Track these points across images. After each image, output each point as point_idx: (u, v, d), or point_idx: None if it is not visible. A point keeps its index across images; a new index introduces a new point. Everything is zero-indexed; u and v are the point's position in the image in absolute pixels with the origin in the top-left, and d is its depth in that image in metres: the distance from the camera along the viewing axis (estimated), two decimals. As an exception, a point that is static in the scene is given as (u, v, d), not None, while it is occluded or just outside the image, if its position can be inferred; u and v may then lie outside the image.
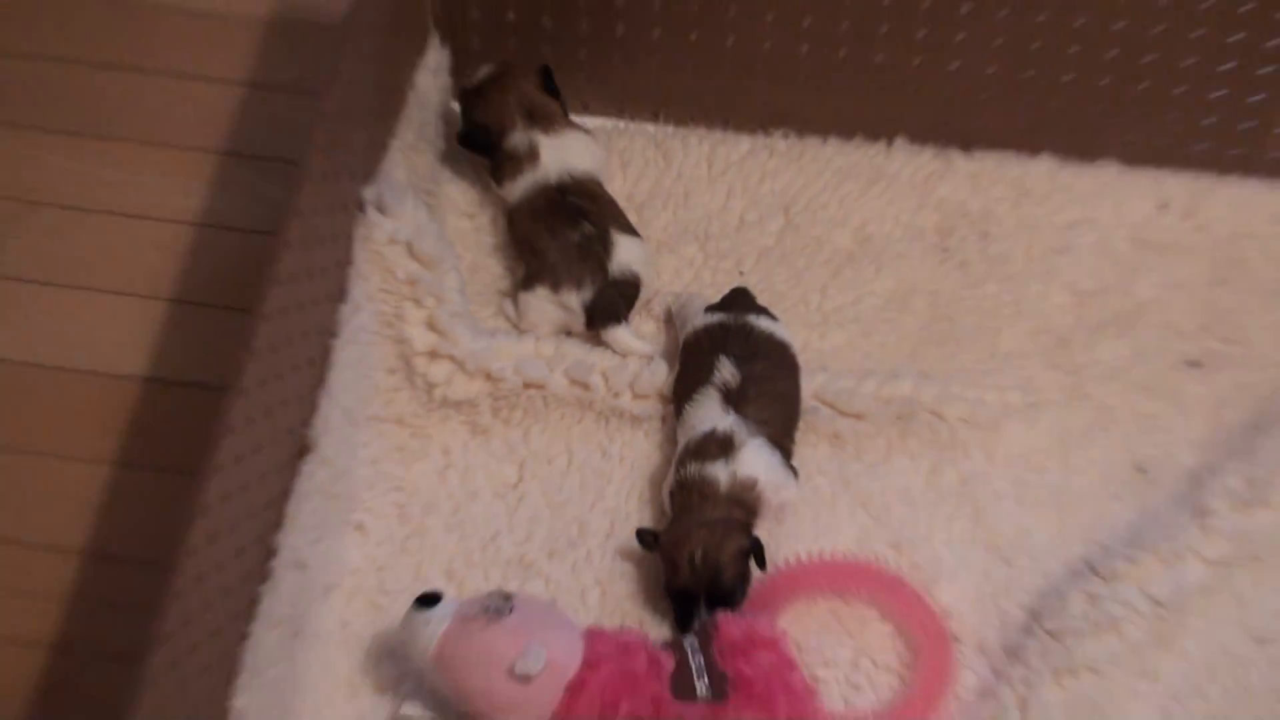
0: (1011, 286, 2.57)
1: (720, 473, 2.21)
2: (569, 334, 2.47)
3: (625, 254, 2.46)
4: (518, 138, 2.55)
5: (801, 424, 2.35)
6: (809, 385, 2.38)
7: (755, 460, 2.23)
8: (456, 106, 2.67)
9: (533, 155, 2.53)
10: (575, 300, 2.43)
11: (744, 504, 2.21)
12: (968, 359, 2.48)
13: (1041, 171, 2.68)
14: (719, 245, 2.61)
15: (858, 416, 2.39)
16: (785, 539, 2.28)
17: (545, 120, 2.57)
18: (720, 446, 2.23)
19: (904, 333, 2.52)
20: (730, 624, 2.11)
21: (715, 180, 2.69)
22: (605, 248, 2.45)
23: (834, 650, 2.20)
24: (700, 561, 2.16)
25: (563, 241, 2.45)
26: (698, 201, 2.66)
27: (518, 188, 2.54)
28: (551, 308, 2.45)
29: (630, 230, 2.51)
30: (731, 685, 2.05)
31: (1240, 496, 2.26)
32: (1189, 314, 2.53)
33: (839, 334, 2.51)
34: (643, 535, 2.22)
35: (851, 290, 2.56)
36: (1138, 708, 2.14)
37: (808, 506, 2.31)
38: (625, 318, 2.44)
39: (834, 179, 2.69)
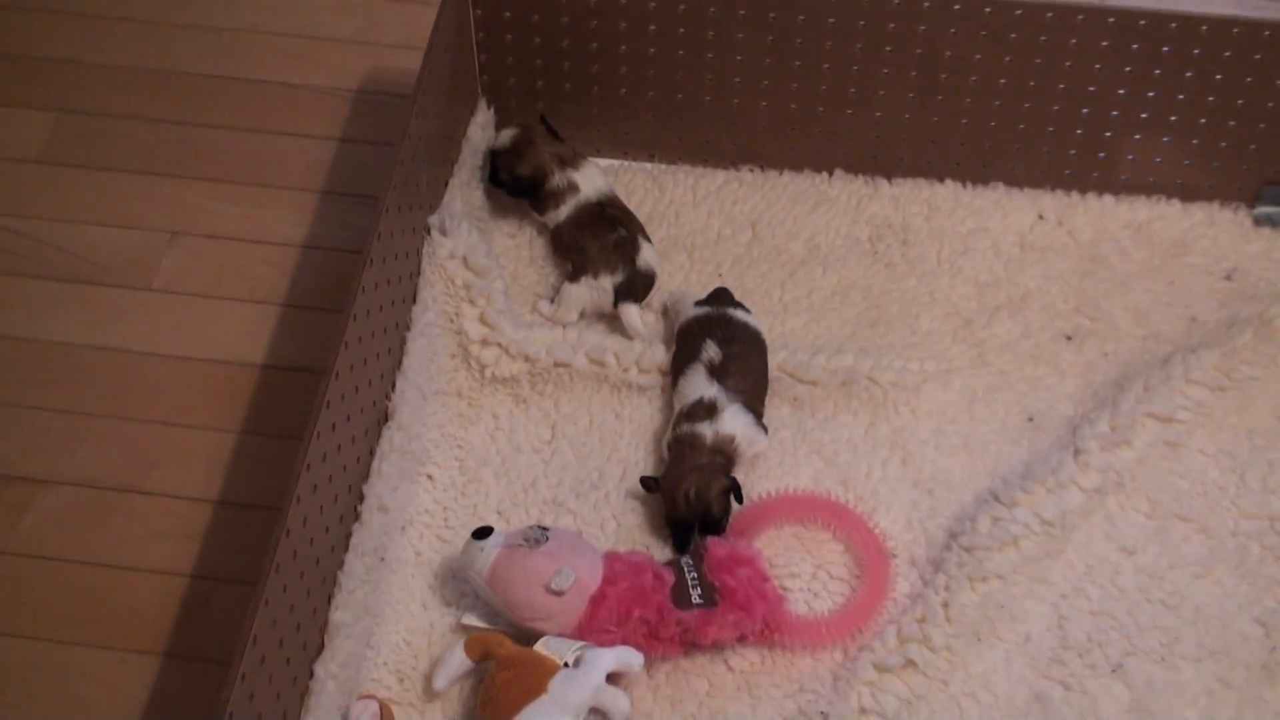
0: (926, 281, 2.48)
1: (706, 430, 2.15)
2: (598, 317, 2.43)
3: (647, 254, 2.41)
4: (557, 179, 2.48)
5: (769, 392, 2.27)
6: (774, 360, 2.30)
7: (733, 421, 2.16)
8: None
9: (573, 188, 2.47)
10: (609, 282, 2.37)
11: (725, 453, 2.15)
12: (895, 337, 2.39)
13: (947, 192, 2.59)
14: (702, 254, 2.52)
15: (812, 383, 2.31)
16: (758, 480, 2.20)
17: (572, 160, 2.50)
18: (706, 410, 2.17)
19: (845, 318, 2.43)
20: (717, 546, 2.04)
21: (698, 205, 2.59)
22: (634, 248, 2.40)
23: (798, 565, 2.12)
24: (694, 498, 2.10)
25: (603, 242, 2.40)
26: (685, 221, 2.57)
27: (562, 212, 2.47)
28: (589, 293, 2.38)
29: (649, 238, 2.46)
30: (719, 594, 1.98)
31: (1108, 439, 2.19)
32: (1064, 299, 2.43)
33: (795, 320, 2.42)
34: (645, 481, 2.16)
35: (804, 286, 2.47)
36: (1034, 605, 2.06)
37: (775, 454, 2.23)
38: (641, 300, 2.39)
39: (789, 202, 2.60)
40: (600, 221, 2.43)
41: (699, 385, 2.19)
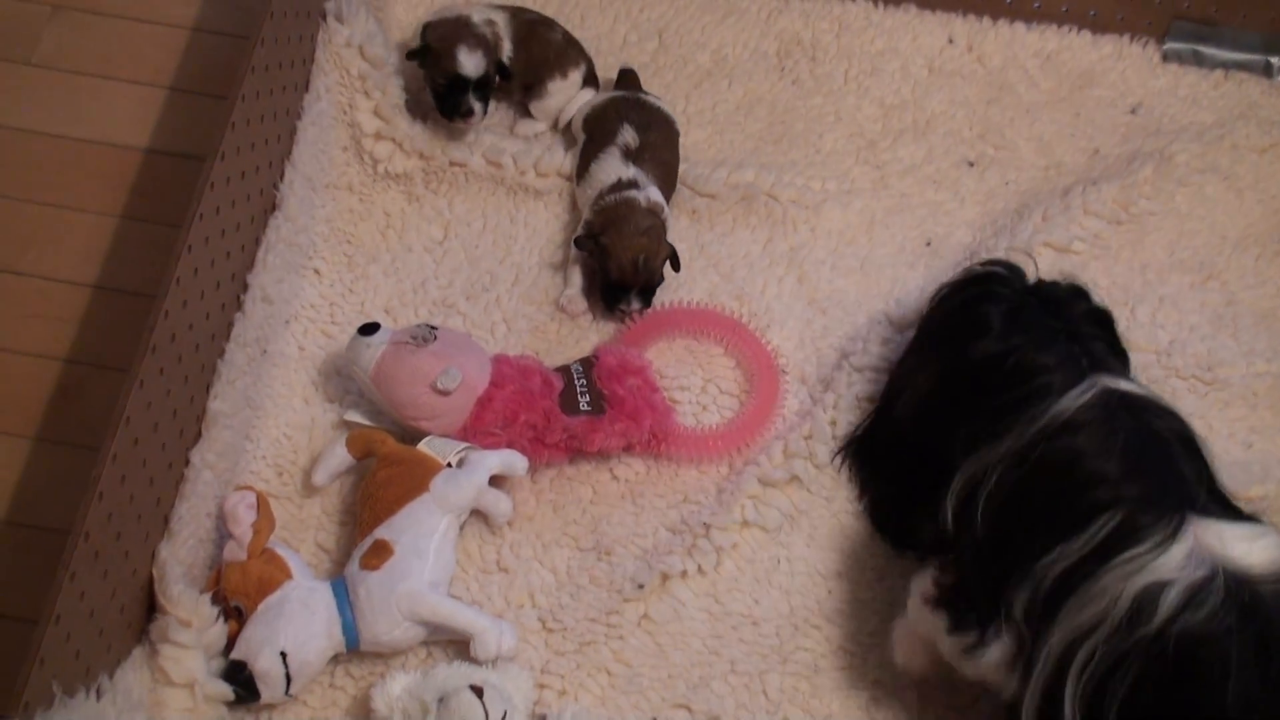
0: (833, 99, 2.41)
1: (639, 196, 2.11)
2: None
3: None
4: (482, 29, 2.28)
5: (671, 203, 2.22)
6: (675, 171, 2.26)
7: (659, 195, 2.14)
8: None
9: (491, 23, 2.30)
10: (577, 75, 2.31)
11: (659, 219, 2.11)
12: (798, 155, 2.33)
13: (859, 11, 2.51)
14: (607, 60, 2.42)
15: (711, 196, 2.25)
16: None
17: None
18: (630, 184, 2.12)
19: (749, 133, 2.36)
20: (608, 354, 2.01)
21: (605, 9, 2.49)
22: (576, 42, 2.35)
23: (688, 378, 2.09)
24: (642, 263, 2.06)
25: (550, 42, 2.33)
26: (591, 25, 2.47)
27: (505, 48, 2.31)
28: (564, 91, 2.30)
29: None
30: (607, 402, 1.95)
31: (1005, 267, 2.13)
32: (968, 125, 2.39)
33: (699, 132, 2.35)
34: (581, 241, 2.11)
35: (709, 98, 2.40)
36: (920, 426, 2.02)
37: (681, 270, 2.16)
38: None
39: (698, 11, 2.51)
40: (538, 28, 2.33)
41: (615, 168, 2.14)
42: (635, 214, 2.08)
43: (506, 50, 2.27)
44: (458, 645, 1.81)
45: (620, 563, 1.91)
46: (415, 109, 2.28)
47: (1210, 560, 1.47)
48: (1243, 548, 1.48)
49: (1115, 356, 1.76)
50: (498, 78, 2.23)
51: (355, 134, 2.23)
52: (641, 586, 1.87)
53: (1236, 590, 1.45)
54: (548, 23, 2.34)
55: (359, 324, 1.96)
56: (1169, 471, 1.56)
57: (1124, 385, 1.65)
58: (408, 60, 2.23)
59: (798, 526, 1.94)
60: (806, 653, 1.85)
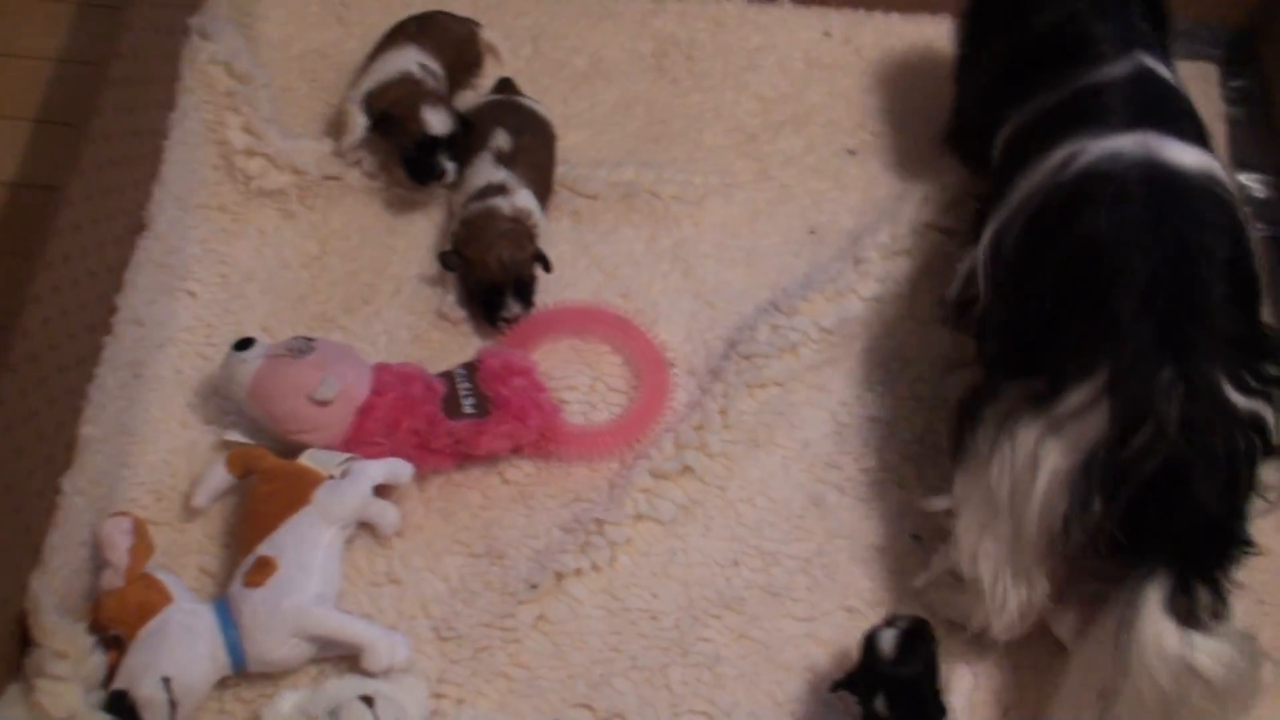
0: (712, 96, 2.42)
1: (503, 203, 2.09)
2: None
3: None
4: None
5: (548, 205, 2.22)
6: (554, 173, 2.25)
7: (530, 199, 2.12)
8: None
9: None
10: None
11: (525, 225, 2.10)
12: (679, 152, 2.34)
13: (734, 9, 2.53)
14: (485, 69, 2.42)
15: (592, 197, 2.26)
16: (536, 293, 2.13)
17: None
18: (498, 189, 2.11)
19: (628, 132, 2.37)
20: (492, 356, 1.99)
21: (479, 17, 2.46)
22: None
23: (576, 378, 2.08)
24: (508, 260, 2.05)
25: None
26: (462, 34, 2.45)
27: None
28: None
29: None
30: (493, 404, 1.93)
31: (888, 248, 2.17)
32: (847, 115, 2.41)
33: (577, 134, 2.35)
34: (445, 257, 2.09)
35: (586, 100, 2.41)
36: (812, 411, 2.05)
37: (554, 268, 2.13)
38: None
39: (573, 16, 2.52)
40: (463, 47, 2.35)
41: (486, 172, 2.13)
42: (496, 220, 2.07)
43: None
44: (350, 660, 1.78)
45: (514, 565, 1.88)
46: (289, 123, 2.27)
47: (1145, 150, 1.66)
48: (1182, 154, 1.66)
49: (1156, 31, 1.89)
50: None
51: (225, 151, 2.21)
52: (535, 587, 1.84)
53: (1150, 163, 1.65)
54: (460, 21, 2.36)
55: (237, 344, 1.93)
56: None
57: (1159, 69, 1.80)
58: (371, 131, 2.19)
59: (692, 517, 1.93)
60: (708, 643, 1.83)
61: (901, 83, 2.44)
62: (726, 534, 1.92)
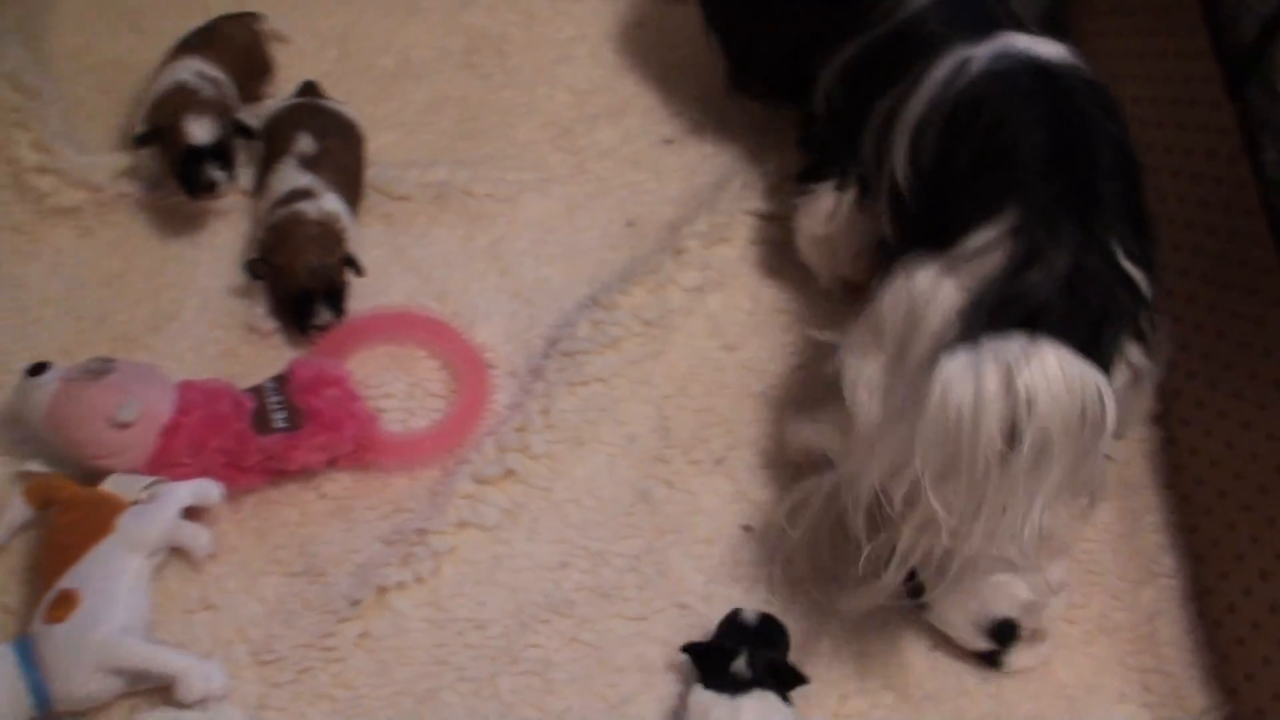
0: (524, 91, 2.40)
1: (309, 208, 2.04)
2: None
3: None
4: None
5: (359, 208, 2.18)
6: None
7: (337, 203, 2.07)
8: None
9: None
10: None
11: (333, 230, 2.05)
12: (492, 149, 2.31)
13: (544, 1, 2.53)
14: (289, 72, 2.36)
15: (404, 199, 2.22)
16: (348, 300, 2.09)
17: None
18: (304, 194, 2.06)
19: (440, 131, 2.34)
20: (303, 367, 1.93)
21: (282, 19, 2.43)
22: None
23: (392, 385, 2.04)
24: (316, 265, 2.00)
25: None
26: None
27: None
28: None
29: None
30: (305, 417, 1.88)
31: (708, 237, 2.16)
32: (664, 103, 2.39)
33: (388, 135, 2.31)
34: (253, 266, 2.03)
35: (396, 101, 2.37)
36: (637, 406, 2.02)
37: (367, 273, 2.10)
38: None
39: (379, 15, 2.50)
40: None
41: (291, 178, 2.08)
42: (303, 225, 2.02)
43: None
44: (164, 692, 1.71)
45: (334, 582, 1.83)
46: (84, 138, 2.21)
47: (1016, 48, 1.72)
48: (1043, 48, 1.71)
49: None
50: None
51: (15, 170, 2.15)
52: (357, 604, 1.80)
53: (1030, 58, 1.70)
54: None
55: (35, 371, 1.86)
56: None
57: None
58: (139, 148, 2.11)
59: (517, 521, 1.89)
60: (537, 649, 1.80)
61: (717, 68, 2.41)
62: (553, 536, 1.89)
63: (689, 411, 2.02)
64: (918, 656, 1.80)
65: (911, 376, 1.61)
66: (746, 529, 1.91)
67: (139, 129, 2.11)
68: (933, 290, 1.64)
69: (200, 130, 2.05)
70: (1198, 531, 1.90)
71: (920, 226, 1.76)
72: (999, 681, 1.79)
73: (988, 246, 1.60)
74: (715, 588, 1.85)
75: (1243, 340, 1.84)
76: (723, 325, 2.10)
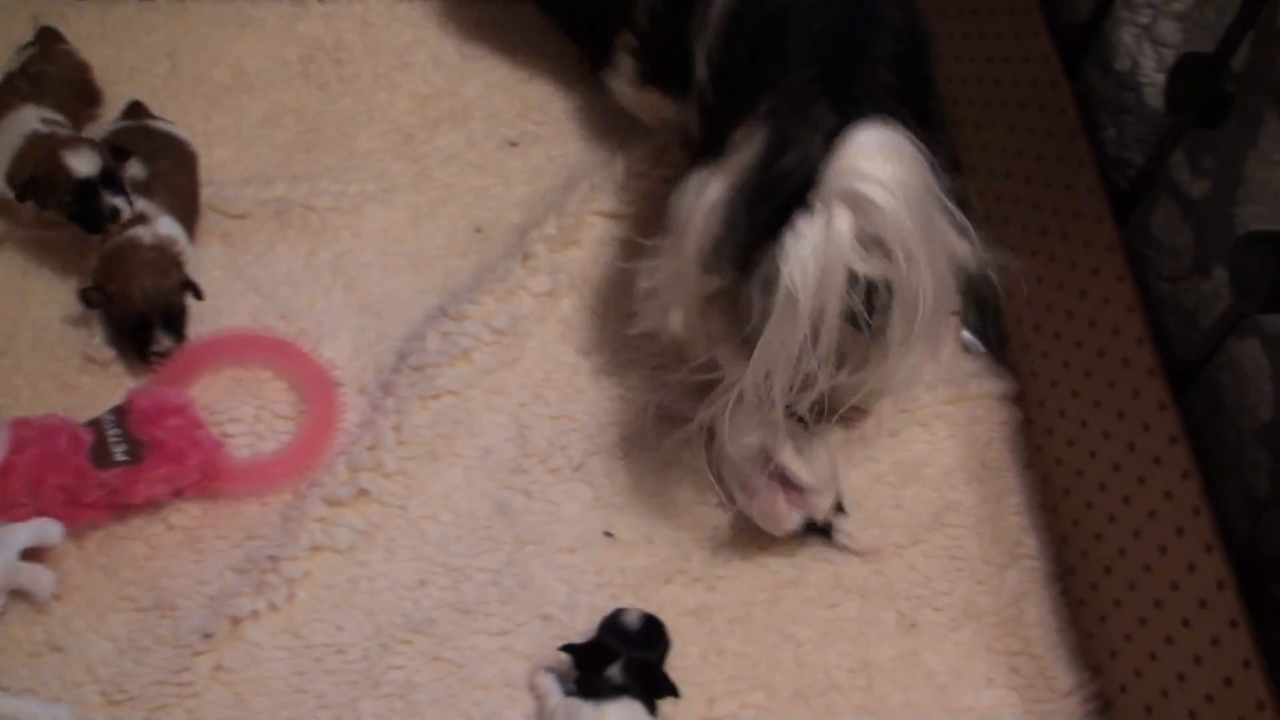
0: (363, 99, 2.37)
1: (143, 233, 2.01)
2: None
3: None
4: None
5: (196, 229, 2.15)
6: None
7: (172, 226, 2.04)
8: None
9: None
10: None
11: (170, 253, 2.02)
12: (331, 160, 2.29)
13: (381, 7, 2.49)
14: (116, 90, 2.33)
15: (242, 217, 2.19)
16: (189, 324, 2.05)
17: None
18: (136, 220, 2.02)
19: (277, 144, 2.31)
20: (142, 398, 1.90)
21: (108, 36, 2.40)
22: None
23: (238, 409, 2.00)
24: (151, 290, 1.96)
25: None
26: (95, 54, 2.34)
27: None
28: None
29: None
30: (146, 448, 1.84)
31: (556, 240, 2.15)
32: (507, 105, 2.38)
33: (222, 151, 2.28)
34: (87, 295, 1.99)
35: (230, 115, 2.34)
36: (492, 417, 2.01)
37: (207, 294, 2.06)
38: None
39: (210, 28, 2.45)
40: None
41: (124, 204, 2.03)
42: (138, 250, 1.99)
43: None
44: (11, 742, 1.68)
45: (186, 616, 1.80)
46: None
47: None
48: None
49: None
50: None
51: None
52: (210, 636, 1.76)
53: None
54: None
55: None
56: None
57: None
58: (22, 201, 2.04)
59: (373, 542, 1.87)
60: (399, 670, 1.78)
61: (561, 67, 2.42)
62: (411, 554, 1.87)
63: (545, 419, 2.01)
64: (785, 655, 1.81)
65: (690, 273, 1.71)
66: (608, 535, 1.90)
67: (9, 185, 2.05)
68: (701, 190, 1.69)
69: (83, 163, 1.99)
70: (1058, 512, 1.93)
71: (712, 127, 1.79)
72: (868, 674, 1.80)
73: (745, 139, 1.64)
74: (579, 597, 1.84)
75: (1091, 319, 1.87)
76: (575, 329, 2.09)
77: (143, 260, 1.98)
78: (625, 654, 1.69)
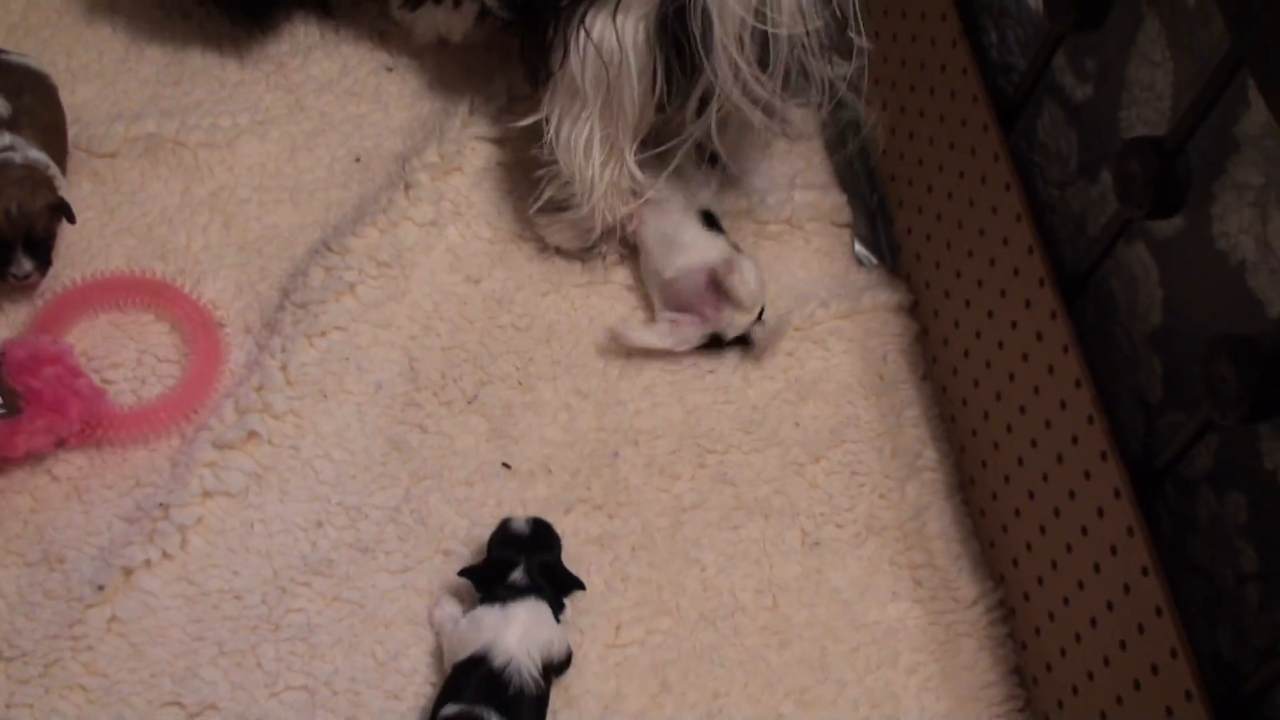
0: (229, 27, 2.31)
1: (14, 155, 1.95)
2: None
3: None
4: None
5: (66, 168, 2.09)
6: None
7: (42, 156, 1.98)
8: None
9: None
10: None
11: (44, 175, 1.97)
12: (202, 93, 2.25)
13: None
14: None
15: (111, 155, 2.15)
16: (61, 268, 2.03)
17: None
18: (6, 150, 1.96)
19: (143, 78, 2.26)
20: (15, 347, 1.87)
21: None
22: None
23: (119, 354, 1.98)
24: (16, 212, 1.91)
25: None
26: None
27: None
28: None
29: None
30: (24, 400, 1.82)
31: (438, 168, 2.15)
32: (380, 29, 2.34)
33: (86, 88, 2.23)
34: None
35: (93, 50, 2.28)
36: (381, 351, 2.01)
37: (79, 237, 2.05)
38: None
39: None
40: None
41: None
42: (7, 169, 1.94)
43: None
44: (-99, 708, 1.67)
45: (76, 568, 1.79)
46: None
47: None
48: None
49: None
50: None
51: None
52: (103, 588, 1.76)
53: None
54: None
55: None
56: None
57: None
58: None
59: (266, 484, 1.87)
60: (299, 613, 1.79)
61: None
62: (306, 495, 1.88)
63: (436, 351, 2.01)
64: (690, 579, 1.85)
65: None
66: (506, 466, 1.92)
67: None
68: (616, 35, 1.82)
69: None
70: (956, 422, 1.98)
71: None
72: (773, 594, 1.85)
73: None
74: (479, 530, 1.85)
75: (981, 228, 1.90)
76: (463, 258, 2.10)
77: (10, 179, 1.93)
78: (524, 560, 1.73)
